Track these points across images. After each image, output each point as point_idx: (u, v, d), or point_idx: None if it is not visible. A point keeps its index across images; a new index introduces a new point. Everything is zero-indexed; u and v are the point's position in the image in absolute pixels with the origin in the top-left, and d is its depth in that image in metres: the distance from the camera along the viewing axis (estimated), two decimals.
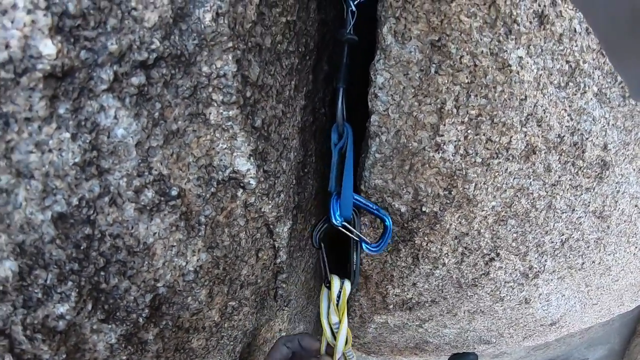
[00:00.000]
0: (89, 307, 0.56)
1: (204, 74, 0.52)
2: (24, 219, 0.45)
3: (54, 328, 0.53)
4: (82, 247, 0.51)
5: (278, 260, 0.83)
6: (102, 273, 0.55)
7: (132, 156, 0.51)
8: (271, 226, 0.76)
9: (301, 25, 0.69)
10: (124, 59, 0.45)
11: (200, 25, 0.49)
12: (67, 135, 0.44)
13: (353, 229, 0.75)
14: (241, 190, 0.65)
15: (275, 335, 1.03)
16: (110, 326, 0.59)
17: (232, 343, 0.84)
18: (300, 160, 0.81)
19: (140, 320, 0.62)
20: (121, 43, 0.44)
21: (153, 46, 0.46)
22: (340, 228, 0.75)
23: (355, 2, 0.71)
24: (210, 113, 0.56)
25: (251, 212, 0.69)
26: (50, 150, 0.44)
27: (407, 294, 1.02)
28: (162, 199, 0.56)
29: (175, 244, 0.60)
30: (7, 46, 0.37)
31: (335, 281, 0.75)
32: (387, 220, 0.76)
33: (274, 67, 0.64)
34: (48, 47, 0.38)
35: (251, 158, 0.62)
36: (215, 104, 0.55)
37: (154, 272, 0.60)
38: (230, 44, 0.52)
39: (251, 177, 0.64)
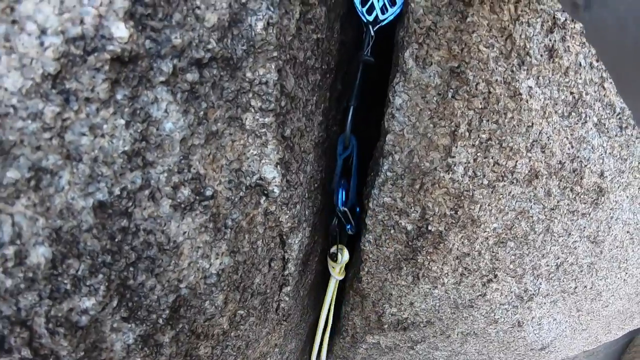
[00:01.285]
0: (115, 303, 0.55)
1: (247, 80, 0.55)
2: (64, 204, 0.44)
3: (76, 323, 0.52)
4: (116, 240, 0.51)
5: (286, 272, 0.84)
6: (132, 269, 0.55)
7: (175, 151, 0.52)
8: (284, 237, 0.77)
9: (326, 44, 0.73)
10: (183, 54, 0.47)
11: (251, 32, 0.51)
12: (122, 122, 0.45)
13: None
14: (264, 198, 0.67)
15: (270, 351, 1.02)
16: (130, 325, 0.59)
17: (234, 354, 0.83)
18: (313, 175, 0.83)
19: (160, 321, 0.62)
20: (184, 38, 0.46)
21: (209, 46, 0.48)
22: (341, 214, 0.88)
23: (375, 29, 0.75)
24: (246, 118, 0.58)
25: (270, 220, 0.71)
26: (103, 135, 0.44)
27: (404, 313, 1.03)
28: (197, 198, 0.57)
29: (201, 245, 0.61)
30: (81, 22, 0.38)
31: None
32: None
33: (302, 81, 0.67)
34: (120, 30, 0.40)
35: (278, 166, 0.64)
36: (253, 110, 0.57)
37: (179, 272, 0.60)
38: (275, 54, 0.54)
39: (276, 186, 0.65)
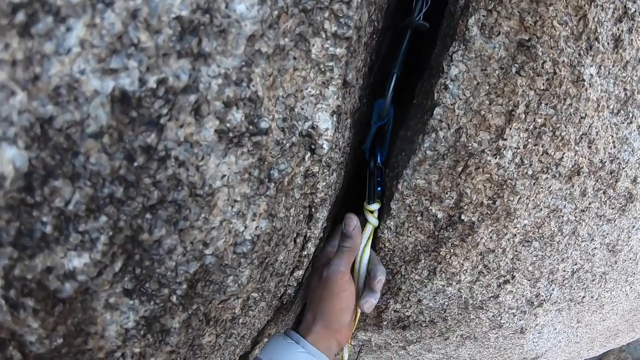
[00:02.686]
0: (117, 266, 0.40)
1: None
2: (65, 78, 0.29)
3: (56, 293, 0.36)
4: (135, 164, 0.36)
5: (304, 253, 0.75)
6: (149, 216, 0.40)
7: (239, 51, 0.39)
8: (313, 210, 0.69)
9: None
10: None
11: None
12: None
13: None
14: (309, 154, 0.57)
15: (264, 340, 0.93)
16: (132, 302, 0.44)
17: (236, 343, 0.73)
18: (344, 146, 0.76)
19: (174, 299, 0.48)
20: None
21: None
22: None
23: None
24: (314, 44, 0.47)
25: (308, 185, 0.61)
26: None
27: (408, 310, 0.97)
28: (250, 128, 0.44)
29: (239, 198, 0.48)
30: None
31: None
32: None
33: (367, 26, 0.59)
34: None
35: (334, 116, 0.54)
36: (324, 35, 0.47)
37: (207, 233, 0.47)
38: None
39: (326, 140, 0.55)
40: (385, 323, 1.01)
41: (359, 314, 0.81)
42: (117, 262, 0.40)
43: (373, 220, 0.80)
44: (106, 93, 0.32)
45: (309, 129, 0.55)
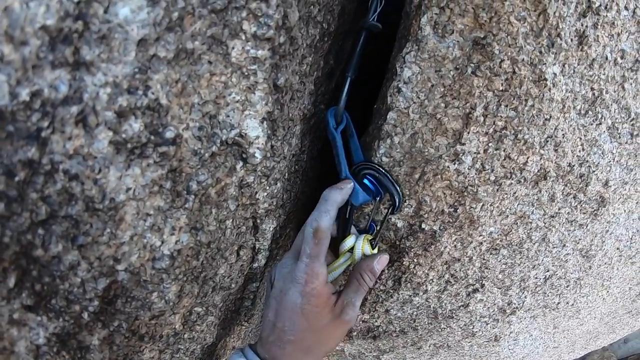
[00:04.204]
0: (11, 282, 0.39)
1: None
2: None
3: None
4: (17, 179, 0.34)
5: (255, 265, 0.71)
6: (41, 231, 0.38)
7: (129, 57, 0.36)
8: (258, 220, 0.64)
9: None
10: None
11: None
12: None
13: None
14: (241, 164, 0.53)
15: (225, 354, 0.89)
16: (39, 319, 0.43)
17: (187, 358, 0.69)
18: (296, 153, 0.71)
19: (85, 316, 0.46)
20: None
21: None
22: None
23: None
24: (234, 47, 0.44)
25: (245, 195, 0.57)
26: None
27: (376, 321, 0.93)
28: (152, 139, 0.41)
29: (152, 212, 0.45)
30: None
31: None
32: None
33: (304, 27, 0.55)
34: None
35: (264, 123, 0.50)
36: (244, 37, 0.44)
37: (116, 248, 0.44)
38: None
39: (258, 148, 0.52)
40: (355, 333, 0.97)
41: None
42: (10, 278, 0.39)
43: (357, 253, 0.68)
44: None
45: (236, 137, 0.51)
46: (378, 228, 0.71)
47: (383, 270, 0.81)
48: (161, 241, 0.49)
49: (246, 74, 0.48)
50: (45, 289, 0.42)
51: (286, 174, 0.70)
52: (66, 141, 0.36)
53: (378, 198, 0.69)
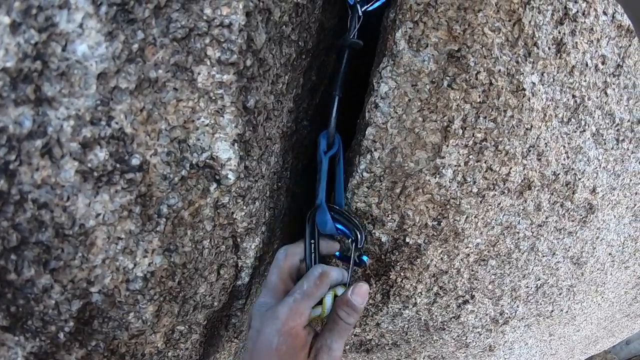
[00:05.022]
0: None
1: (205, 17, 0.41)
2: None
3: None
4: None
5: (238, 283, 0.70)
6: (13, 257, 0.41)
7: (90, 91, 0.38)
8: (238, 239, 0.64)
9: (306, 17, 0.60)
10: None
11: None
12: (7, 20, 0.32)
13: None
14: (215, 185, 0.53)
15: None
16: (17, 339, 0.45)
17: None
18: (277, 171, 0.70)
19: (61, 336, 0.47)
20: None
21: None
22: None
23: (363, 9, 0.64)
24: (199, 73, 0.44)
25: (221, 215, 0.57)
26: None
27: (368, 334, 0.92)
28: (118, 166, 0.42)
29: (123, 236, 0.46)
30: None
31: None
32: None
33: (275, 47, 0.54)
34: None
35: (235, 145, 0.50)
36: (209, 62, 0.44)
37: (89, 271, 0.46)
38: None
39: (230, 170, 0.52)
40: (347, 347, 0.96)
41: None
42: None
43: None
44: None
45: (207, 160, 0.51)
46: (348, 273, 0.65)
47: (371, 284, 0.80)
48: (134, 264, 0.49)
49: (213, 98, 0.48)
50: (21, 311, 0.44)
51: (267, 192, 0.70)
52: (34, 172, 0.38)
53: (350, 239, 0.67)
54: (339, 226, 0.66)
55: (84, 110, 0.38)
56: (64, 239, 0.43)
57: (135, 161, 0.44)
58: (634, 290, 1.04)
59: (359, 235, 0.65)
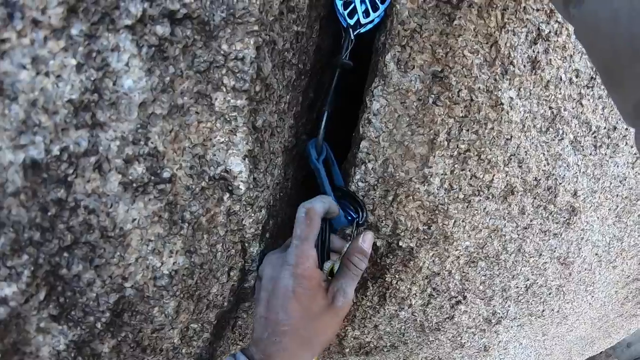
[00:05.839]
0: (42, 295, 0.47)
1: (222, 52, 0.49)
2: None
3: None
4: (49, 214, 0.44)
5: (245, 285, 0.76)
6: (66, 254, 0.47)
7: (132, 117, 0.45)
8: (246, 244, 0.70)
9: (305, 42, 0.67)
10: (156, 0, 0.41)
11: None
12: (73, 62, 0.39)
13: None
14: (227, 195, 0.60)
15: None
16: (61, 327, 0.51)
17: None
18: (279, 182, 0.76)
19: (98, 325, 0.54)
20: None
21: (186, 0, 0.43)
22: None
23: (356, 33, 0.71)
24: (216, 98, 0.51)
25: (232, 222, 0.63)
26: (47, 74, 0.38)
27: (367, 337, 0.97)
28: (152, 179, 0.50)
29: (153, 238, 0.53)
30: None
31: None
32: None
33: (279, 72, 0.61)
34: None
35: (246, 159, 0.58)
36: (225, 89, 0.51)
37: (124, 268, 0.53)
38: (255, 27, 0.49)
39: (242, 181, 0.59)
40: (347, 350, 1.01)
41: None
42: (41, 292, 0.47)
43: None
44: (19, 162, 0.40)
45: (222, 173, 0.58)
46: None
47: (368, 287, 0.85)
48: (161, 262, 0.56)
49: (228, 119, 0.55)
50: (67, 302, 0.50)
51: (271, 201, 0.76)
52: (86, 184, 0.46)
53: (357, 222, 0.73)
54: (347, 209, 0.72)
55: (128, 132, 0.46)
56: (107, 239, 0.50)
57: (166, 174, 0.52)
58: (624, 289, 1.09)
59: (361, 214, 0.70)
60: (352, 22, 0.72)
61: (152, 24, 0.43)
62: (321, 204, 0.63)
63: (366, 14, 0.72)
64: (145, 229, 0.52)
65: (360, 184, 0.73)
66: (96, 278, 0.51)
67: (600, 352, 1.59)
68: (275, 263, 0.63)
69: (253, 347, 0.62)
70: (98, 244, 0.49)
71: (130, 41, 0.43)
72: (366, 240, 0.65)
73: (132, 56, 0.44)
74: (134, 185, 0.49)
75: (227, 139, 0.56)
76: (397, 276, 0.82)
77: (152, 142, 0.49)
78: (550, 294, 0.95)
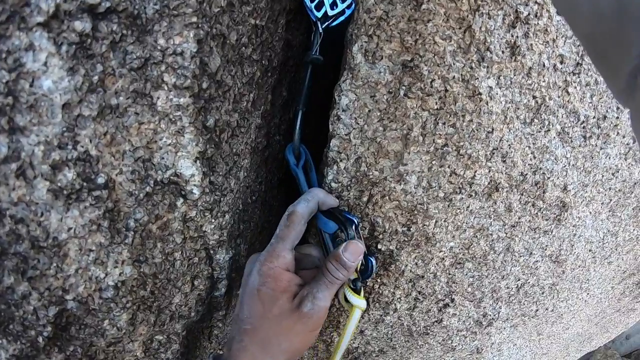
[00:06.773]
0: None
1: (159, 47, 0.45)
2: None
3: None
4: None
5: (216, 294, 0.72)
6: None
7: (56, 120, 0.42)
8: (211, 251, 0.66)
9: (268, 37, 0.63)
10: None
11: None
12: None
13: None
14: (181, 200, 0.56)
15: None
16: (0, 341, 0.50)
17: None
18: (249, 185, 0.72)
19: (40, 340, 0.51)
20: None
21: None
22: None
23: (323, 26, 0.66)
24: (158, 97, 0.48)
25: (190, 229, 0.59)
26: None
27: (354, 342, 0.92)
28: (85, 185, 0.47)
29: (94, 247, 0.50)
30: None
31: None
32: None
33: (235, 68, 0.56)
34: None
35: (197, 162, 0.54)
36: (166, 87, 0.47)
37: (63, 280, 0.50)
38: (194, 19, 0.46)
39: (195, 185, 0.55)
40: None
41: None
42: None
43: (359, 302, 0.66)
44: None
45: (172, 177, 0.55)
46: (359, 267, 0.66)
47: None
48: (105, 273, 0.53)
49: (173, 119, 0.51)
50: (3, 315, 0.48)
51: (240, 206, 0.71)
52: (11, 191, 0.43)
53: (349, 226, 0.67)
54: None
55: (52, 136, 0.43)
56: (40, 250, 0.47)
57: (100, 180, 0.48)
58: (620, 285, 1.04)
59: (348, 228, 0.64)
60: (319, 14, 0.68)
61: (70, 19, 0.39)
62: (305, 205, 0.61)
63: (334, 5, 0.67)
64: (84, 239, 0.49)
65: (333, 184, 0.68)
66: (31, 290, 0.48)
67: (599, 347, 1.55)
68: (252, 260, 0.62)
69: (225, 347, 0.60)
70: (30, 255, 0.47)
71: (47, 39, 0.39)
72: (348, 249, 0.61)
73: (51, 55, 0.40)
74: (65, 192, 0.46)
75: (174, 141, 0.52)
76: (378, 280, 0.78)
77: (82, 146, 0.46)
78: (543, 293, 0.90)
